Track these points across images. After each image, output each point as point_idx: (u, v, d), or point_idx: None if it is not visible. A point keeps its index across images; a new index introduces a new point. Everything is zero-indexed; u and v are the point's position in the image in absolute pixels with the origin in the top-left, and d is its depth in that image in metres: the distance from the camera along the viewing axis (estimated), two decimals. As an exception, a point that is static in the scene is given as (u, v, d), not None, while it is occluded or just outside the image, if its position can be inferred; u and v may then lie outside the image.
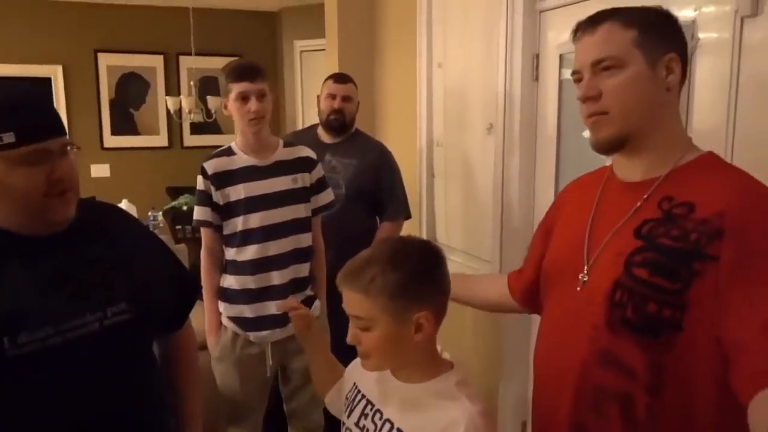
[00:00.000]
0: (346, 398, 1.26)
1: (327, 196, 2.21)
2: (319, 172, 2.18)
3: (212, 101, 4.57)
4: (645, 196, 1.07)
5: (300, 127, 5.74)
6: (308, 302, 2.13)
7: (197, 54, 4.94)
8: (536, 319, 1.47)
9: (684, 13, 1.61)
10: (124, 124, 5.59)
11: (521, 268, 1.44)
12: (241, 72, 2.00)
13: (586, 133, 2.17)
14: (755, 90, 1.46)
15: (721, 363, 0.93)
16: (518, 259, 2.29)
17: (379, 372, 1.19)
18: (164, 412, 1.32)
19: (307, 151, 2.17)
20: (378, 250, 1.14)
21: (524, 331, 2.27)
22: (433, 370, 1.14)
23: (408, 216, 2.68)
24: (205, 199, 2.05)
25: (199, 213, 2.07)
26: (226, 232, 2.06)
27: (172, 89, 5.62)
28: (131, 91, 5.60)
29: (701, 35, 1.57)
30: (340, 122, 2.57)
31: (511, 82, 2.25)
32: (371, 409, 1.17)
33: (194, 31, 4.76)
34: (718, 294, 0.93)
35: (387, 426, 1.12)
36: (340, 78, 2.61)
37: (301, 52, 5.68)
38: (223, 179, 2.03)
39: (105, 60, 5.48)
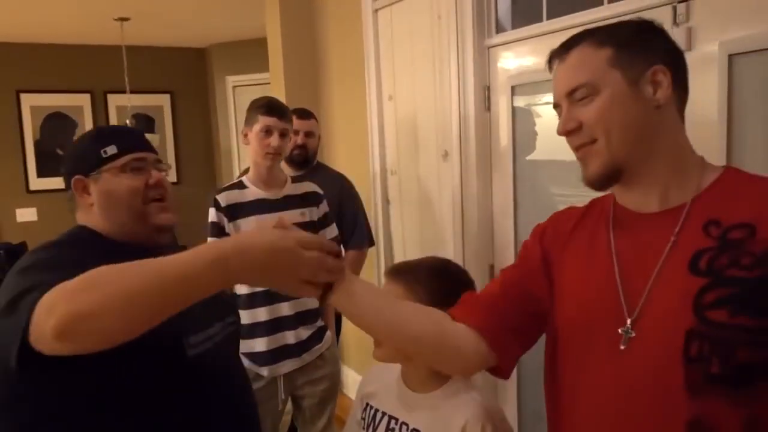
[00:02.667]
0: (362, 419, 1.34)
1: (332, 231, 2.30)
2: (325, 207, 2.27)
3: (151, 139, 4.50)
4: (678, 226, 0.93)
5: (235, 160, 5.75)
6: (319, 333, 2.21)
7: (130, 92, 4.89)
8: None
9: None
10: (50, 165, 5.39)
11: (477, 294, 1.12)
12: (272, 108, 2.13)
13: (531, 156, 2.37)
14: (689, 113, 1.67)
15: None
16: (481, 280, 2.43)
17: (398, 388, 1.29)
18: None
19: (313, 187, 2.27)
20: (426, 261, 1.34)
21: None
22: (442, 377, 1.26)
23: (372, 243, 2.77)
24: (218, 230, 2.10)
25: None
26: None
27: (101, 128, 5.51)
28: (57, 132, 5.43)
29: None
30: (303, 157, 2.65)
31: (465, 112, 2.42)
32: (396, 423, 1.26)
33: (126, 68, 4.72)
34: None
35: None
36: (303, 114, 2.70)
37: (234, 87, 5.71)
38: (236, 211, 2.10)
39: (28, 100, 5.30)
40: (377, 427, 1.29)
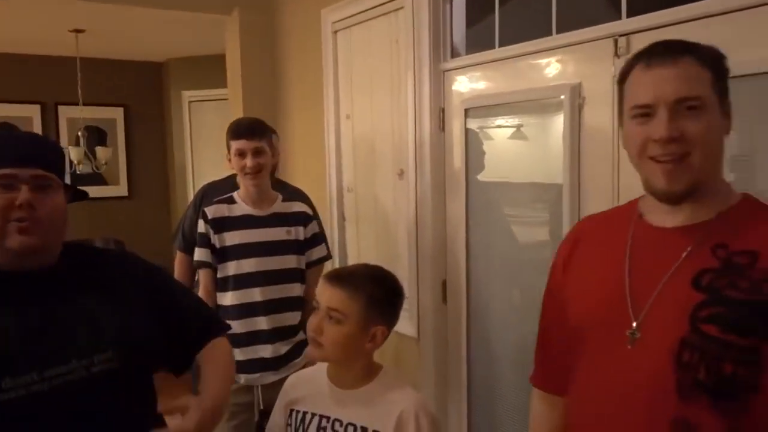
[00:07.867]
0: (288, 425, 1.39)
1: (321, 251, 2.40)
2: (314, 227, 2.35)
3: (102, 152, 4.45)
4: (692, 244, 0.99)
5: (190, 175, 5.71)
6: (299, 348, 2.27)
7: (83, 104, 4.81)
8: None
9: (572, 80, 1.93)
10: (-4, 176, 5.24)
11: (540, 360, 1.26)
12: (239, 130, 2.20)
13: (481, 176, 2.47)
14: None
15: None
16: (434, 295, 2.50)
17: (328, 389, 1.35)
18: None
19: (304, 207, 2.35)
20: (363, 268, 1.39)
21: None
22: (372, 373, 1.35)
23: (329, 257, 2.81)
24: (205, 241, 2.19)
25: (199, 254, 2.21)
26: (219, 275, 2.20)
27: (51, 140, 5.39)
28: (4, 142, 5.29)
29: (585, 95, 1.90)
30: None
31: (421, 133, 2.50)
32: (328, 421, 1.32)
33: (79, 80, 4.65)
34: None
35: (351, 428, 1.29)
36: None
37: (190, 102, 5.69)
38: (221, 224, 2.18)
39: (-26, 110, 5.17)
40: (307, 429, 1.34)
